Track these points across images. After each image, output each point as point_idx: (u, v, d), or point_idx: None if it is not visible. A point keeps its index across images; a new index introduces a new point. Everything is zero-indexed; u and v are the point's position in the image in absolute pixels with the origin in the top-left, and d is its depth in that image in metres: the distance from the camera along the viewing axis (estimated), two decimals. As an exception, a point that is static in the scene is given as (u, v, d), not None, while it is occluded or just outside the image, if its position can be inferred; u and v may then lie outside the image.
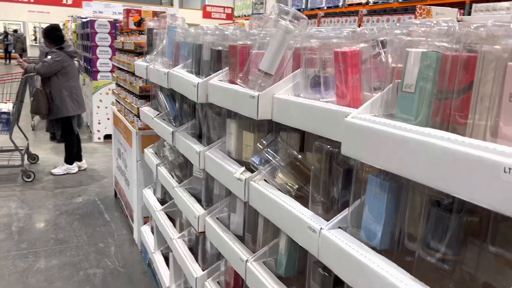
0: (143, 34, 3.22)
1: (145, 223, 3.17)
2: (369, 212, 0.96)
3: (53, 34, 4.84)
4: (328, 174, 1.12)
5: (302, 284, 1.27)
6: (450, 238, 0.82)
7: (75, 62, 5.15)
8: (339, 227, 1.02)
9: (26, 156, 5.13)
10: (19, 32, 20.43)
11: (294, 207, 1.13)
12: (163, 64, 2.24)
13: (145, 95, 3.15)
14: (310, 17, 2.90)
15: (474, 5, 4.55)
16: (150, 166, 2.67)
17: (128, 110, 3.46)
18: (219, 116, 1.71)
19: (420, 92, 0.81)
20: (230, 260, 1.55)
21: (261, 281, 1.30)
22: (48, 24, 5.04)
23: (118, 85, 4.00)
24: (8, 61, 20.45)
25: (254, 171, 1.39)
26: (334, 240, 0.96)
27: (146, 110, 2.66)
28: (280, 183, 1.28)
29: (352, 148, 0.89)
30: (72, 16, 9.83)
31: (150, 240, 2.82)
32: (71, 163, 5.07)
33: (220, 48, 1.64)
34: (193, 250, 2.07)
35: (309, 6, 7.01)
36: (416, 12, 2.13)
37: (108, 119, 6.50)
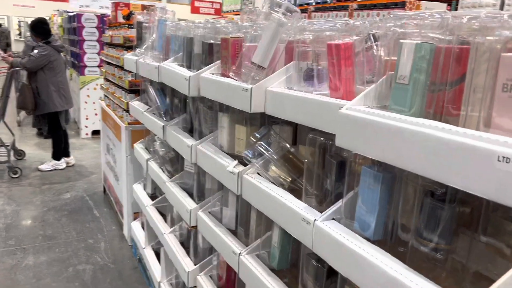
0: (132, 27, 3.18)
1: (135, 218, 3.15)
2: (363, 203, 0.97)
3: (40, 28, 4.76)
4: (321, 166, 1.12)
5: (295, 276, 1.27)
6: (443, 228, 0.84)
7: (62, 56, 5.07)
8: (333, 219, 1.02)
9: (12, 152, 5.05)
10: (3, 26, 20.02)
11: (288, 200, 1.14)
12: (153, 57, 2.21)
13: (135, 90, 3.12)
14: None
15: (460, 1, 4.59)
16: (140, 161, 2.66)
17: (117, 105, 3.42)
18: (211, 110, 1.70)
19: (414, 84, 0.82)
20: (223, 254, 1.55)
21: (254, 273, 1.31)
22: (34, 18, 4.95)
23: (106, 79, 3.96)
24: (-9, 56, 20.02)
25: (246, 165, 1.39)
26: (328, 231, 0.97)
27: (136, 105, 2.63)
28: (273, 176, 1.28)
29: (347, 139, 0.89)
30: (58, 10, 9.67)
31: (140, 235, 2.81)
32: (58, 159, 5.00)
33: (211, 41, 1.63)
34: (184, 245, 2.06)
35: (297, 1, 7.00)
36: (406, 7, 2.15)
37: (96, 114, 6.43)
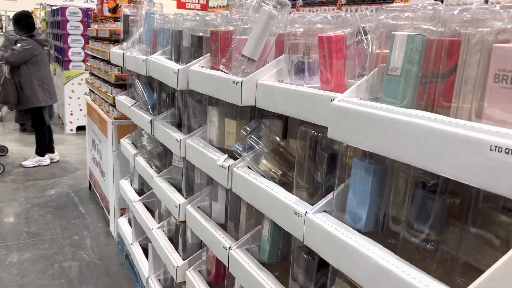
0: (119, 21, 3.14)
1: (121, 214, 3.11)
2: (354, 195, 0.97)
3: (24, 21, 4.65)
4: (312, 159, 1.12)
5: (285, 270, 1.27)
6: (434, 219, 0.84)
7: (46, 50, 4.98)
8: (324, 211, 1.02)
9: (-6, 148, 4.94)
10: (-16, 20, 19.54)
11: (279, 193, 1.13)
12: (141, 51, 2.18)
13: (121, 84, 3.08)
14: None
15: (446, -1, 4.65)
16: (127, 156, 2.62)
17: (103, 99, 3.37)
18: (200, 103, 1.69)
19: (406, 75, 0.82)
20: (212, 248, 1.54)
21: (244, 267, 1.30)
22: (17, 12, 4.84)
23: (92, 74, 3.90)
24: (-28, 50, 19.55)
25: (237, 159, 1.38)
26: (319, 223, 0.97)
27: (123, 99, 2.60)
28: (264, 170, 1.28)
29: (339, 131, 0.89)
30: (41, 4, 9.48)
31: (127, 231, 2.78)
32: (42, 155, 4.91)
33: (201, 34, 1.61)
34: (172, 240, 2.05)
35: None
36: (394, 2, 2.16)
37: (81, 110, 6.33)
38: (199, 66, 1.56)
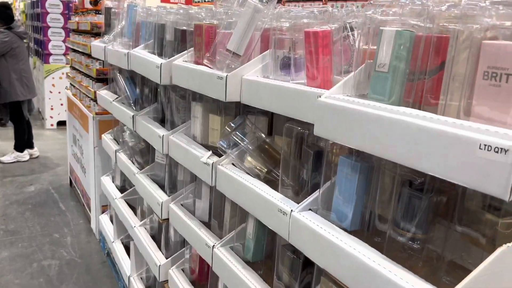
0: (100, 13, 3.06)
1: (103, 212, 3.05)
2: (340, 193, 0.96)
3: (3, 13, 4.51)
4: (298, 156, 1.10)
5: (270, 268, 1.25)
6: (420, 218, 0.83)
7: (25, 43, 4.84)
8: (310, 209, 1.01)
9: (-30, 143, 4.80)
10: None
11: (264, 190, 1.11)
12: (123, 45, 2.13)
13: (103, 78, 3.01)
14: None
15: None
16: (109, 152, 2.57)
17: (84, 94, 3.29)
18: (183, 99, 1.66)
19: (393, 72, 0.80)
20: (195, 247, 1.51)
21: (228, 266, 1.28)
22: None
23: (73, 68, 3.80)
24: None
25: (221, 156, 1.36)
26: (305, 222, 0.95)
27: (104, 94, 2.54)
28: (249, 167, 1.25)
29: (326, 128, 0.87)
30: (20, -5, 9.22)
31: (109, 229, 2.73)
32: (21, 151, 4.79)
33: (184, 27, 1.58)
34: (155, 238, 2.01)
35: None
36: (380, -1, 2.15)
37: (62, 104, 6.19)
38: (183, 60, 1.52)
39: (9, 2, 5.24)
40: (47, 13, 6.06)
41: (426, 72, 0.81)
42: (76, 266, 2.85)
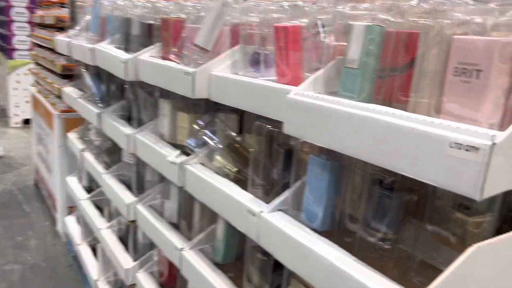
0: (65, 7, 2.94)
1: (69, 213, 2.94)
2: (310, 193, 0.93)
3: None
4: (268, 155, 1.07)
5: (240, 270, 1.22)
6: (391, 217, 0.82)
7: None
8: (280, 210, 0.98)
9: None
10: None
11: (233, 191, 1.08)
12: (88, 39, 2.05)
13: (69, 75, 2.89)
14: None
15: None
16: (74, 151, 2.48)
17: (49, 91, 3.16)
18: (150, 96, 1.60)
19: (364, 68, 0.78)
20: (164, 249, 1.46)
21: (197, 269, 1.24)
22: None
23: (37, 63, 3.65)
24: None
25: (189, 155, 1.31)
26: (274, 223, 0.92)
27: (69, 91, 2.44)
28: (218, 167, 1.21)
29: (295, 126, 0.84)
30: (-18, -13, 8.82)
31: (75, 231, 2.63)
32: (-17, 150, 4.58)
33: (151, 22, 1.52)
34: (123, 240, 1.95)
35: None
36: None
37: (27, 102, 5.94)
38: (149, 55, 1.47)
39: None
40: (11, 6, 5.81)
41: (396, 69, 0.79)
42: (40, 270, 2.73)
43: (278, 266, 1.06)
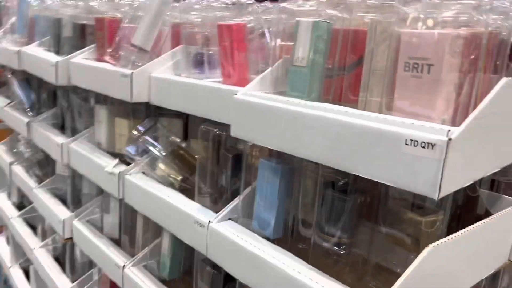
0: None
1: (-1, 233, 2.69)
2: (261, 199, 0.88)
3: None
4: (215, 161, 1.01)
5: (189, 286, 1.14)
6: (345, 220, 0.79)
7: None
8: (230, 219, 0.92)
9: None
10: None
11: (178, 201, 1.01)
12: (14, 42, 1.88)
13: (-6, 82, 2.65)
14: None
15: None
16: (2, 165, 2.27)
17: (-28, 100, 2.88)
18: (85, 102, 1.48)
19: (312, 66, 0.75)
20: (104, 268, 1.35)
21: (141, 287, 1.14)
22: None
23: (-43, 70, 3.32)
24: None
25: (129, 164, 1.22)
26: (224, 233, 0.86)
27: (-6, 99, 2.23)
28: (161, 175, 1.13)
29: (243, 128, 0.79)
30: None
31: (5, 253, 2.41)
32: None
33: (84, 22, 1.41)
34: (59, 260, 1.79)
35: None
36: None
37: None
38: (83, 58, 1.35)
39: None
40: None
41: (345, 67, 0.76)
42: (-36, 300, 2.46)
43: (229, 279, 1.00)
